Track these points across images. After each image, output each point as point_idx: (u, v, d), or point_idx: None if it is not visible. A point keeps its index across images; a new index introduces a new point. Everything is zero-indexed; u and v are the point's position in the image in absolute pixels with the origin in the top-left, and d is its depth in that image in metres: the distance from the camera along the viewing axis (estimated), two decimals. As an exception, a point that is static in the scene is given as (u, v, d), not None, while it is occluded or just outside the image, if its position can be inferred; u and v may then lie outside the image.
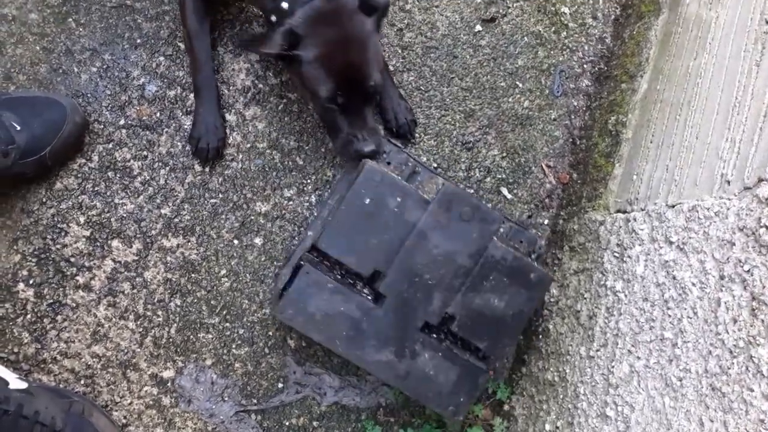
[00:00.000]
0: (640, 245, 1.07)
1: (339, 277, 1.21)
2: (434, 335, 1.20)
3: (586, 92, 1.55)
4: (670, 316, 0.91)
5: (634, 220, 1.12)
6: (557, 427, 1.14)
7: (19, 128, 1.22)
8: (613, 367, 1.02)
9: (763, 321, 0.72)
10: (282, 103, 1.42)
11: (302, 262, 1.19)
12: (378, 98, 1.21)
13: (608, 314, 1.09)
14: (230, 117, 1.39)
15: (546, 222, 1.49)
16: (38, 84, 1.34)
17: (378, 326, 1.18)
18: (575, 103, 1.54)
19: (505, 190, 1.48)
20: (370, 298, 1.20)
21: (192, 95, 1.36)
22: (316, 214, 1.39)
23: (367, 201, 1.18)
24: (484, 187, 1.48)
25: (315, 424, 1.37)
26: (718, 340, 0.79)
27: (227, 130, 1.38)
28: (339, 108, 1.18)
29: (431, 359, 1.18)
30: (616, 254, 1.14)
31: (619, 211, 1.23)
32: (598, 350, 1.09)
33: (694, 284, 0.88)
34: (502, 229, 1.27)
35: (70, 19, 1.36)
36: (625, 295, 1.06)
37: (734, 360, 0.75)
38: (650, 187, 1.15)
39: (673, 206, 1.01)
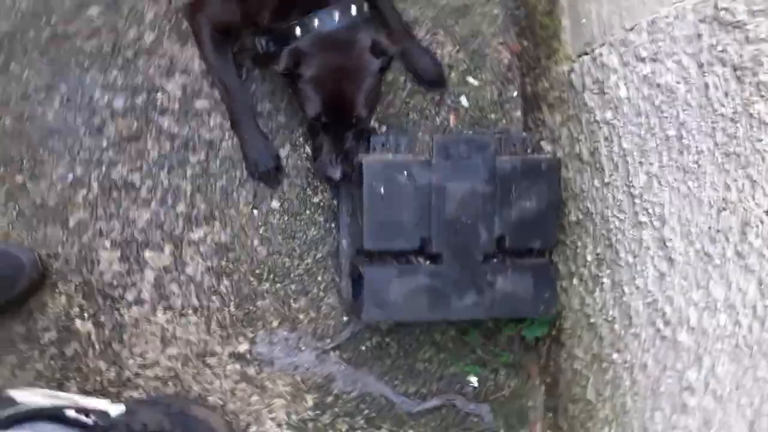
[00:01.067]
0: (614, 74, 1.20)
1: (396, 260, 1.31)
2: (496, 260, 1.32)
3: (508, -35, 1.64)
4: (666, 117, 1.05)
5: (600, 55, 1.24)
6: (598, 254, 1.30)
7: None
8: (631, 182, 1.17)
9: (750, 83, 0.86)
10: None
11: (361, 268, 1.30)
12: (365, 124, 1.29)
13: (608, 142, 1.23)
14: (201, 102, 1.43)
15: (515, 94, 1.61)
16: (11, 138, 1.34)
17: (449, 280, 1.29)
18: (502, -21, 1.63)
19: (471, 79, 1.59)
20: (429, 262, 1.31)
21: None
22: (337, 222, 1.47)
23: (382, 190, 1.26)
24: (452, 83, 1.57)
25: (387, 339, 1.49)
26: (718, 115, 0.93)
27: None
28: (321, 128, 1.26)
29: (505, 279, 1.30)
30: (595, 91, 1.27)
31: (580, 55, 1.35)
32: (611, 175, 1.23)
33: (678, 82, 1.02)
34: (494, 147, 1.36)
35: (12, 65, 1.36)
36: (618, 120, 1.19)
37: (737, 125, 0.89)
38: (601, 23, 1.27)
39: (632, 28, 1.14)
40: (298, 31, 1.21)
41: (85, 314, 1.36)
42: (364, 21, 1.25)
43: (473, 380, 1.53)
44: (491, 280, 1.31)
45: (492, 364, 1.54)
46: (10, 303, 1.27)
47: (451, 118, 1.57)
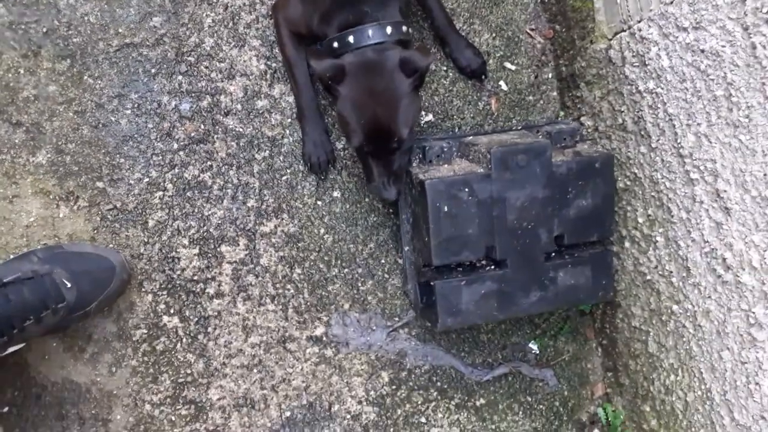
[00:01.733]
0: (655, 46, 1.29)
1: (462, 271, 1.38)
2: (556, 257, 1.39)
3: (533, -45, 1.74)
4: (713, 79, 1.15)
5: (639, 30, 1.34)
6: (649, 215, 1.39)
7: (69, 285, 1.26)
8: (679, 143, 1.26)
9: (799, 37, 0.96)
10: (301, 70, 1.54)
11: (432, 283, 1.35)
12: (408, 143, 1.32)
13: (653, 110, 1.33)
14: (261, 102, 1.52)
15: (550, 75, 1.71)
16: (89, 146, 1.41)
17: (515, 282, 1.35)
18: (528, -31, 1.73)
19: (508, 64, 1.68)
20: (493, 267, 1.37)
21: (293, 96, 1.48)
22: (400, 228, 1.52)
23: (446, 209, 1.30)
24: (491, 69, 1.67)
25: (451, 314, 1.57)
26: (767, 71, 1.03)
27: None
28: (368, 154, 1.30)
29: (566, 273, 1.37)
30: (636, 64, 1.36)
31: (617, 33, 1.45)
32: (658, 140, 1.33)
33: (723, 46, 1.11)
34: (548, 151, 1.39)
35: (85, 77, 1.43)
36: (662, 88, 1.29)
37: (788, 76, 0.99)
38: (637, 2, 1.37)
39: (671, 2, 1.24)
40: (336, 44, 1.28)
41: (171, 310, 1.43)
42: (397, 40, 1.28)
43: (534, 347, 1.61)
44: (553, 276, 1.38)
45: (551, 332, 1.63)
46: (102, 303, 1.33)
47: (492, 102, 1.67)
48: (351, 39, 1.26)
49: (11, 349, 1.24)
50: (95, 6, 1.48)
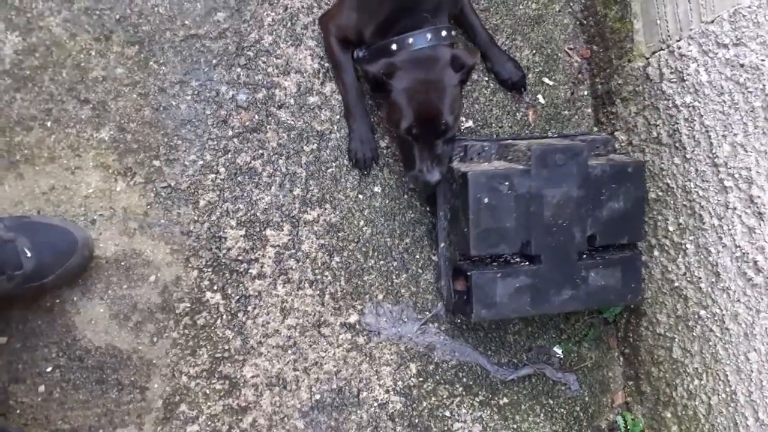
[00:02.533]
0: (694, 62, 1.37)
1: (497, 264, 1.44)
2: (589, 257, 1.44)
3: (573, -19, 1.84)
4: (751, 91, 1.22)
5: (678, 48, 1.42)
6: (680, 224, 1.45)
7: (29, 254, 1.28)
8: (714, 153, 1.33)
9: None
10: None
11: (469, 273, 1.40)
12: (452, 131, 1.40)
13: (689, 123, 1.40)
14: (313, 99, 1.60)
15: (586, 93, 1.79)
16: (150, 126, 1.49)
17: (548, 279, 1.40)
18: (568, -8, 1.83)
19: (546, 79, 1.77)
20: (528, 264, 1.43)
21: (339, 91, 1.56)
22: (436, 225, 1.57)
23: (486, 200, 1.36)
24: (530, 82, 1.75)
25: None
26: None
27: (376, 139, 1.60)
28: (413, 138, 1.37)
29: (597, 273, 1.42)
30: (673, 80, 1.44)
31: (655, 51, 1.53)
32: (693, 150, 1.39)
33: (762, 60, 1.19)
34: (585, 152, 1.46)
35: (151, 62, 1.52)
36: (699, 101, 1.36)
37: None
38: (677, 21, 1.45)
39: (712, 21, 1.32)
40: (394, 46, 1.37)
41: (215, 287, 1.49)
42: (448, 40, 1.40)
43: (558, 351, 1.65)
44: (585, 275, 1.42)
45: (575, 338, 1.67)
46: (60, 277, 1.34)
47: (530, 114, 1.75)
48: (411, 41, 1.36)
49: None
50: (165, -2, 1.58)
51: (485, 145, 1.49)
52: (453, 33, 1.44)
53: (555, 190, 1.39)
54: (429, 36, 1.37)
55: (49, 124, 1.46)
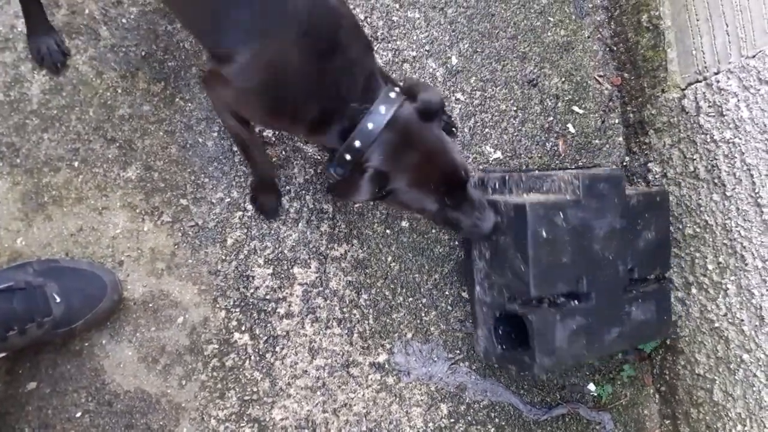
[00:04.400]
0: (734, 97, 1.33)
1: (550, 306, 1.33)
2: (629, 291, 1.39)
3: (603, 6, 1.80)
4: (798, 132, 1.18)
5: (717, 81, 1.38)
6: (720, 263, 1.40)
7: (58, 300, 1.27)
8: (757, 193, 1.28)
9: None
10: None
11: (529, 317, 1.28)
12: (471, 176, 1.25)
13: (729, 159, 1.36)
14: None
15: (617, 121, 1.75)
16: (176, 164, 1.48)
17: (599, 317, 1.34)
18: (598, 18, 1.79)
19: (576, 108, 1.73)
20: (578, 303, 1.34)
21: None
22: (472, 270, 1.47)
23: (545, 234, 1.27)
24: (559, 111, 1.71)
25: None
26: None
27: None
28: (449, 208, 1.22)
29: (637, 308, 1.37)
30: (711, 114, 1.40)
31: (691, 83, 1.48)
32: (734, 188, 1.35)
33: (810, 101, 1.15)
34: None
35: (177, 99, 1.51)
36: (740, 138, 1.32)
37: None
38: (715, 53, 1.41)
39: (754, 56, 1.28)
40: (357, 143, 1.15)
41: (242, 327, 1.47)
42: (400, 96, 1.18)
43: (592, 389, 1.61)
44: (629, 310, 1.37)
45: (609, 375, 1.63)
46: (89, 322, 1.34)
47: (560, 143, 1.71)
48: (371, 126, 1.14)
49: None
50: (190, 34, 1.56)
51: (506, 176, 1.46)
52: (395, 84, 1.24)
53: (602, 221, 1.33)
54: (383, 109, 1.14)
55: (76, 164, 1.45)
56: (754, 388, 1.32)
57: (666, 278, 1.51)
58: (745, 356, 1.34)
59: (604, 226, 1.33)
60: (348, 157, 1.17)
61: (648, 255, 1.40)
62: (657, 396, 1.65)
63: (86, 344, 1.39)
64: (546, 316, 1.28)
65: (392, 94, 1.17)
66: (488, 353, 1.43)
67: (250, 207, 1.50)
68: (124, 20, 1.47)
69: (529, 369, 1.29)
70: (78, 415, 1.38)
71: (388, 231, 1.58)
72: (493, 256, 1.39)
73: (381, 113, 1.14)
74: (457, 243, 1.60)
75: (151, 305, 1.43)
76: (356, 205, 1.56)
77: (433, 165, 1.18)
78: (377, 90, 1.17)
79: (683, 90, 1.50)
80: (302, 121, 1.16)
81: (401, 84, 1.26)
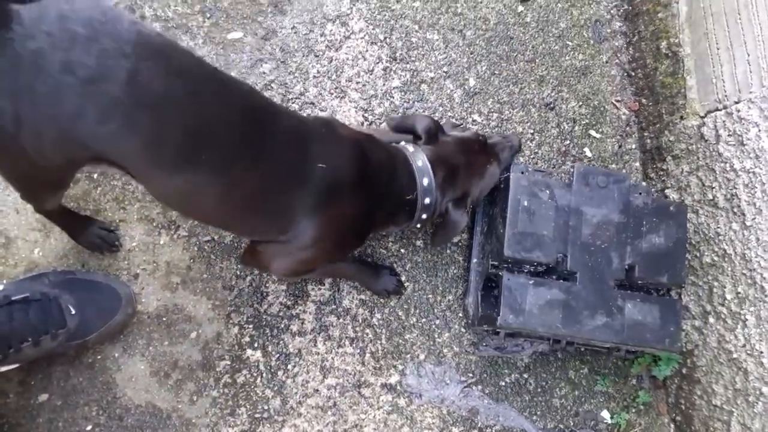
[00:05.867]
0: (755, 127, 1.32)
1: (531, 273, 1.42)
2: (626, 287, 1.41)
3: (621, 31, 1.81)
4: (821, 163, 1.17)
5: (738, 111, 1.37)
6: (739, 293, 1.39)
7: (73, 312, 1.28)
8: (778, 223, 1.27)
9: None
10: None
11: (500, 273, 1.39)
12: None
13: (749, 189, 1.35)
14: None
15: (634, 146, 1.75)
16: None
17: (582, 299, 1.37)
18: (616, 44, 1.80)
19: (593, 132, 1.73)
20: (563, 279, 1.40)
21: None
22: (471, 242, 1.58)
23: (525, 203, 1.39)
24: (576, 135, 1.71)
25: (525, 376, 1.57)
26: None
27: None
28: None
29: (635, 307, 1.38)
30: (732, 143, 1.39)
31: (710, 111, 1.48)
32: (753, 218, 1.34)
33: (834, 133, 1.14)
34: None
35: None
36: (761, 168, 1.31)
37: None
38: (736, 82, 1.41)
39: (776, 86, 1.27)
40: (428, 200, 1.32)
41: (255, 344, 1.46)
42: (416, 146, 1.37)
43: (606, 417, 1.59)
44: (621, 305, 1.39)
45: (623, 402, 1.60)
46: (103, 335, 1.34)
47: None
48: (427, 201, 1.33)
49: (3, 369, 1.25)
50: (212, 50, 1.58)
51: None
52: (403, 150, 1.36)
53: (595, 210, 1.42)
54: (426, 181, 1.32)
55: (95, 176, 1.45)
56: (773, 422, 1.30)
57: (677, 290, 1.49)
58: (765, 389, 1.32)
59: (598, 215, 1.42)
60: (424, 216, 1.35)
61: (654, 259, 1.41)
62: (672, 425, 1.62)
63: (99, 357, 1.39)
64: (519, 278, 1.38)
65: (411, 149, 1.35)
66: (473, 318, 1.51)
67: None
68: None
69: (493, 323, 1.38)
70: (88, 428, 1.37)
71: (402, 250, 1.58)
72: (488, 227, 1.53)
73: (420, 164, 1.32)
74: (469, 265, 1.60)
75: (164, 319, 1.43)
76: (372, 224, 1.56)
77: (465, 153, 1.39)
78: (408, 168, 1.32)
79: (702, 118, 1.50)
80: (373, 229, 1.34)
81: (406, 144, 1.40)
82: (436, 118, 1.52)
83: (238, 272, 1.48)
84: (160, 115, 0.96)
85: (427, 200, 1.32)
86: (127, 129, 0.94)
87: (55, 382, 1.36)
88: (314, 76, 1.60)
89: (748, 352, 1.36)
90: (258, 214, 1.16)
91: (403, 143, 1.39)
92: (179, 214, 1.44)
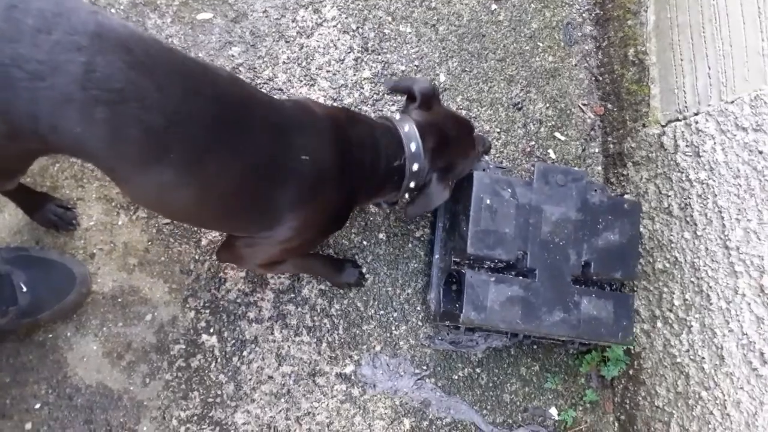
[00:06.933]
0: (711, 140, 1.36)
1: (492, 270, 1.45)
2: (582, 283, 1.45)
3: (592, 36, 1.83)
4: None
5: (696, 122, 1.41)
6: (686, 299, 1.43)
7: (25, 290, 1.26)
8: (726, 235, 1.31)
9: None
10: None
11: (463, 270, 1.41)
12: None
13: (702, 199, 1.39)
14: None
15: (597, 150, 1.78)
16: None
17: (540, 295, 1.41)
18: (586, 48, 1.82)
19: (558, 134, 1.75)
20: (522, 276, 1.44)
21: None
22: (434, 238, 1.60)
23: (488, 201, 1.42)
24: (542, 136, 1.74)
25: (477, 370, 1.60)
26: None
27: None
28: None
29: (590, 302, 1.42)
30: (689, 153, 1.43)
31: (671, 121, 1.51)
32: (704, 228, 1.38)
33: (782, 151, 1.18)
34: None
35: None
36: (714, 180, 1.35)
37: None
38: (696, 94, 1.44)
39: (733, 101, 1.31)
40: (412, 183, 1.32)
41: (211, 329, 1.46)
42: (404, 115, 1.34)
43: (554, 413, 1.63)
44: (577, 300, 1.43)
45: (571, 399, 1.65)
46: (55, 314, 1.33)
47: (540, 168, 1.73)
48: (416, 167, 1.30)
49: None
50: (180, 30, 1.56)
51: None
52: (389, 118, 1.34)
53: (554, 208, 1.45)
54: (406, 127, 1.30)
55: (54, 152, 1.43)
56: (710, 426, 1.35)
57: (631, 288, 1.54)
58: (704, 393, 1.37)
59: (557, 213, 1.45)
60: (412, 184, 1.32)
61: (608, 255, 1.45)
62: (617, 424, 1.67)
63: (50, 336, 1.38)
64: (481, 275, 1.41)
65: (398, 116, 1.32)
66: (435, 314, 1.54)
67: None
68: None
69: (455, 320, 1.41)
70: (37, 406, 1.36)
71: (365, 242, 1.58)
72: (450, 224, 1.55)
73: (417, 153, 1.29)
74: (430, 260, 1.61)
75: (120, 300, 1.42)
76: (334, 215, 1.56)
77: (456, 128, 1.37)
78: (395, 132, 1.29)
79: (663, 126, 1.53)
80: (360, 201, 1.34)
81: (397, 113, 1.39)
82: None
83: (197, 256, 1.47)
84: (121, 110, 0.91)
85: (415, 166, 1.28)
86: (84, 126, 0.91)
87: (3, 359, 1.35)
88: (284, 62, 1.59)
89: (691, 357, 1.41)
90: (239, 214, 1.14)
91: (389, 113, 1.38)
92: (158, 214, 1.43)
